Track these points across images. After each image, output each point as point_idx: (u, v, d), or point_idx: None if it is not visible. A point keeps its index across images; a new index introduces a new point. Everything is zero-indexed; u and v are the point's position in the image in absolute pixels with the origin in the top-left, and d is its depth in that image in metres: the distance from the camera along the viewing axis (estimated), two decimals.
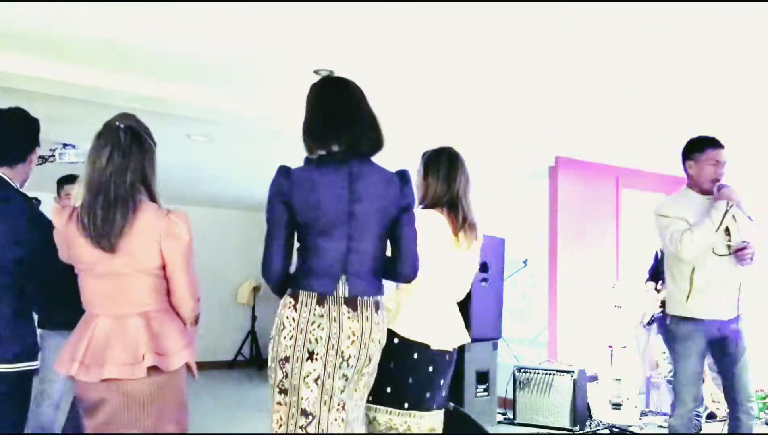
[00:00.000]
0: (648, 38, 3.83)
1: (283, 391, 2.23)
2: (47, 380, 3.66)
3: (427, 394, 2.62)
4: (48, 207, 2.99)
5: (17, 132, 2.67)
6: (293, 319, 2.22)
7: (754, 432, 3.66)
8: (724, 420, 6.08)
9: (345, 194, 2.27)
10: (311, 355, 2.19)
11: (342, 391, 2.25)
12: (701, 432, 5.68)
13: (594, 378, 6.06)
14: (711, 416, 6.12)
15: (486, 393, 5.78)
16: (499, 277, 5.96)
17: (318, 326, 2.21)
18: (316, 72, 4.46)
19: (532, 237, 6.71)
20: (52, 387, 3.67)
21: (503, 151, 6.40)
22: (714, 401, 6.23)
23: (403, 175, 2.38)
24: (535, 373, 5.86)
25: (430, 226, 2.66)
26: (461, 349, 5.53)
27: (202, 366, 10.89)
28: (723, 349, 3.65)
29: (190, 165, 7.28)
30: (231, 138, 5.98)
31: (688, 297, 3.61)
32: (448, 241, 2.74)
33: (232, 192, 8.85)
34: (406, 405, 2.58)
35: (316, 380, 2.20)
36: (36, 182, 4.71)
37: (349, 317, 2.24)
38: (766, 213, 5.45)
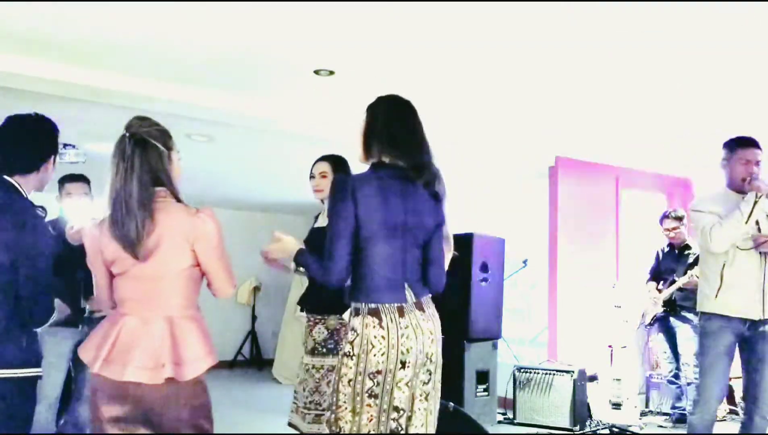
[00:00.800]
0: (648, 38, 3.83)
1: (374, 396, 2.36)
2: (48, 376, 3.64)
3: None
4: (50, 206, 3.01)
5: (28, 140, 2.61)
6: (382, 337, 2.35)
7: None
8: (724, 420, 6.11)
9: (400, 206, 2.42)
10: (403, 365, 2.37)
11: (425, 383, 2.44)
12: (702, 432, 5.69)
13: (594, 378, 6.06)
14: None
15: (486, 393, 5.78)
16: (499, 277, 5.96)
17: (407, 338, 2.37)
18: (316, 72, 4.46)
19: (532, 237, 6.71)
20: (49, 385, 3.63)
21: (503, 151, 6.40)
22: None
23: (437, 196, 2.55)
24: (535, 373, 5.86)
25: None
26: (461, 349, 5.58)
27: None
28: (752, 348, 3.64)
29: (190, 165, 7.27)
30: (231, 138, 5.98)
31: (717, 293, 3.63)
32: None
33: (232, 192, 8.85)
34: None
35: (407, 383, 2.39)
36: None
37: (423, 320, 2.43)
38: None
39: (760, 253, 3.61)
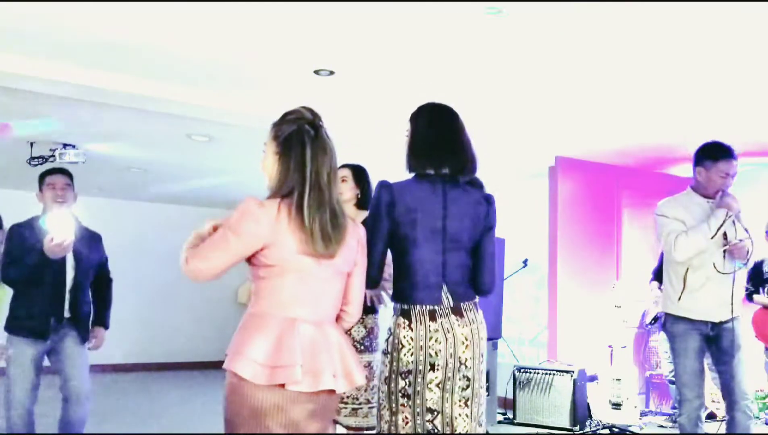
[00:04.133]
0: (648, 38, 3.83)
1: (407, 396, 2.44)
2: (16, 384, 3.65)
3: None
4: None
5: None
6: (411, 338, 2.43)
7: (753, 432, 3.66)
8: (724, 420, 6.11)
9: (440, 211, 2.49)
10: (432, 367, 2.42)
11: (464, 389, 2.46)
12: (701, 432, 5.69)
13: (594, 378, 6.06)
14: (711, 416, 6.12)
15: (486, 393, 5.78)
16: (499, 277, 5.96)
17: (435, 341, 2.43)
18: (316, 72, 4.46)
19: (532, 237, 6.71)
20: (22, 392, 3.66)
21: (503, 151, 6.40)
22: (714, 401, 6.23)
23: (488, 199, 2.62)
24: (535, 373, 5.86)
25: None
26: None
27: (202, 366, 10.90)
28: (718, 346, 3.69)
29: (190, 165, 7.29)
30: (231, 138, 5.99)
31: (680, 297, 3.67)
32: None
33: (232, 192, 8.85)
34: None
35: (438, 385, 2.43)
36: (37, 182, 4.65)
37: (459, 325, 2.46)
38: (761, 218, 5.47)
39: (724, 257, 3.61)
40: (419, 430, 2.41)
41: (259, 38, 3.95)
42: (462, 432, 2.43)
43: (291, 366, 1.96)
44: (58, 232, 3.36)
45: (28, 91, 4.52)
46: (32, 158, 6.37)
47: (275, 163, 2.11)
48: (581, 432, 5.56)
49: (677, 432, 5.64)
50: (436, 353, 2.41)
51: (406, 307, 2.46)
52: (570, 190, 6.66)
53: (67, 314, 3.76)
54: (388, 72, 4.49)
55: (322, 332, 2.06)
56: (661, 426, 5.87)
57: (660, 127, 5.71)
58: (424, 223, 2.46)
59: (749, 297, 5.96)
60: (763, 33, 3.72)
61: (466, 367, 2.45)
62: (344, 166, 3.63)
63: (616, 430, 5.56)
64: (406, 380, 2.43)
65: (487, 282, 2.60)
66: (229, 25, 3.76)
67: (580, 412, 5.66)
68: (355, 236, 2.20)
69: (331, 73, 4.47)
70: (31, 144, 6.23)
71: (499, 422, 5.90)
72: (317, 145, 2.12)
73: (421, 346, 2.41)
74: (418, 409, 2.42)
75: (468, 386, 2.46)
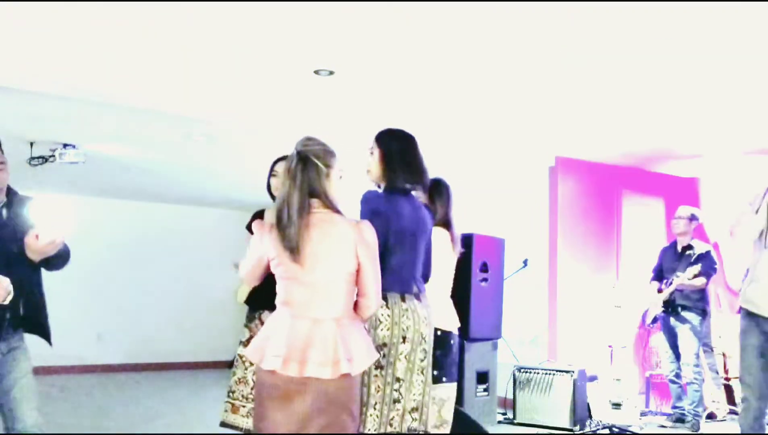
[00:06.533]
0: (648, 38, 3.83)
1: (380, 367, 2.89)
2: None
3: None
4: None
5: None
6: (388, 315, 2.92)
7: None
8: (724, 420, 6.11)
9: (413, 219, 3.06)
10: (404, 339, 2.93)
11: (422, 360, 3.00)
12: (700, 432, 5.69)
13: (594, 378, 6.06)
14: (711, 416, 6.12)
15: (486, 393, 5.79)
16: (499, 277, 5.96)
17: (407, 317, 2.96)
18: (316, 72, 4.46)
19: (532, 237, 6.71)
20: None
21: (503, 151, 6.41)
22: (714, 401, 6.24)
23: (428, 208, 3.31)
24: (535, 373, 5.86)
25: (441, 242, 3.52)
26: (461, 349, 5.58)
27: (202, 366, 10.89)
28: None
29: (190, 165, 7.29)
30: (231, 138, 5.99)
31: (747, 288, 3.52)
32: (449, 252, 3.66)
33: (231, 192, 8.86)
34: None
35: (406, 356, 2.93)
36: (37, 182, 4.73)
37: (420, 307, 3.02)
38: None
39: None
40: (386, 400, 2.89)
41: (259, 38, 3.95)
42: (417, 394, 2.97)
43: (276, 356, 2.41)
44: (47, 230, 2.69)
45: (28, 91, 4.52)
46: (32, 158, 6.37)
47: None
48: (581, 432, 5.56)
49: (677, 432, 5.67)
50: (407, 328, 2.94)
51: (384, 293, 2.80)
52: (570, 190, 6.67)
53: None
54: (388, 72, 4.49)
55: (318, 327, 2.45)
56: (662, 426, 5.86)
57: (660, 127, 5.71)
58: (405, 229, 3.01)
59: None
60: (764, 31, 3.72)
61: (425, 341, 2.99)
62: (284, 158, 3.69)
63: (616, 430, 5.56)
64: (382, 352, 2.87)
65: (428, 270, 3.20)
66: (229, 24, 3.76)
67: (580, 412, 5.66)
68: (352, 238, 2.54)
69: (331, 73, 4.47)
70: (31, 144, 6.23)
71: (499, 422, 5.91)
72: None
73: (396, 322, 2.92)
74: (389, 379, 2.89)
75: (425, 358, 3.00)
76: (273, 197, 3.74)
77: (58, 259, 2.98)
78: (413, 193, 3.15)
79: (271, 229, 2.51)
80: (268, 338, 2.48)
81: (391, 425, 2.91)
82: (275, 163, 3.78)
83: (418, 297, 3.04)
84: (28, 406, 2.92)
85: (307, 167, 2.53)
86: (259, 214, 3.92)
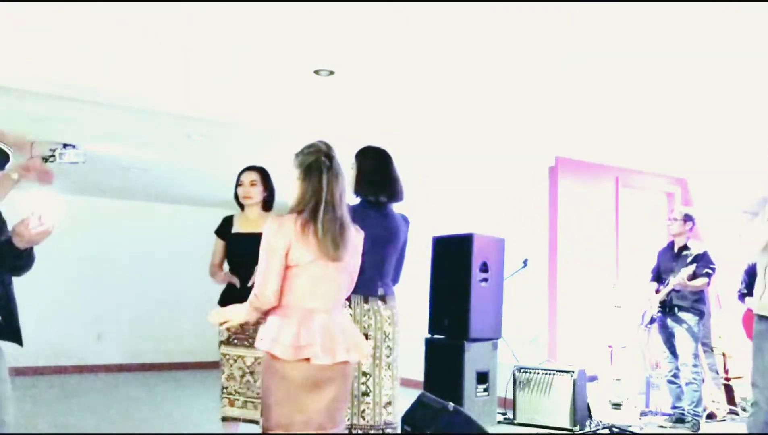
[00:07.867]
0: (648, 38, 3.83)
1: None
2: None
3: None
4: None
5: None
6: (350, 315, 3.19)
7: None
8: (724, 420, 6.11)
9: (383, 227, 3.33)
10: (366, 336, 3.16)
11: (388, 356, 3.29)
12: (700, 432, 5.69)
13: (594, 378, 6.06)
14: (711, 416, 6.12)
15: (486, 393, 5.78)
16: (499, 277, 5.96)
17: (368, 317, 3.28)
18: (316, 72, 4.46)
19: (532, 237, 6.71)
20: None
21: (503, 151, 6.41)
22: (714, 401, 6.24)
23: (406, 219, 3.52)
24: (535, 373, 5.85)
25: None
26: (461, 349, 5.59)
27: (203, 366, 10.85)
28: None
29: (190, 165, 7.29)
30: (231, 138, 5.99)
31: (762, 294, 3.50)
32: None
33: (231, 192, 8.85)
34: None
35: (371, 354, 3.15)
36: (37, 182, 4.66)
37: (383, 308, 3.31)
38: None
39: None
40: (355, 392, 3.17)
41: (259, 38, 3.95)
42: (388, 388, 3.26)
43: (312, 345, 2.52)
44: (37, 218, 2.65)
45: (28, 91, 4.52)
46: (32, 158, 6.36)
47: (297, 186, 2.66)
48: (581, 432, 5.56)
49: (677, 432, 5.67)
50: (368, 326, 3.25)
51: (350, 295, 2.95)
52: (570, 190, 6.67)
53: None
54: (388, 72, 4.49)
55: (331, 318, 2.61)
56: (661, 426, 5.86)
57: (659, 128, 5.71)
58: (376, 236, 3.16)
59: (742, 298, 5.96)
60: (763, 32, 3.72)
61: (389, 338, 3.30)
62: (252, 169, 3.95)
63: (616, 430, 5.55)
64: None
65: (398, 276, 3.51)
66: (229, 25, 3.77)
67: (580, 412, 5.66)
68: (360, 240, 2.75)
69: (331, 73, 4.48)
70: (31, 144, 6.23)
71: (499, 422, 5.90)
72: (332, 173, 2.64)
73: (357, 320, 3.21)
74: (356, 373, 3.10)
75: (390, 354, 3.30)
76: (241, 206, 3.98)
77: (28, 262, 2.81)
78: (391, 205, 3.40)
79: (303, 227, 2.56)
80: (299, 334, 2.54)
81: (363, 417, 3.21)
82: (241, 173, 3.94)
83: (383, 299, 3.32)
84: (6, 411, 2.89)
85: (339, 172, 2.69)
86: (228, 220, 4.08)
